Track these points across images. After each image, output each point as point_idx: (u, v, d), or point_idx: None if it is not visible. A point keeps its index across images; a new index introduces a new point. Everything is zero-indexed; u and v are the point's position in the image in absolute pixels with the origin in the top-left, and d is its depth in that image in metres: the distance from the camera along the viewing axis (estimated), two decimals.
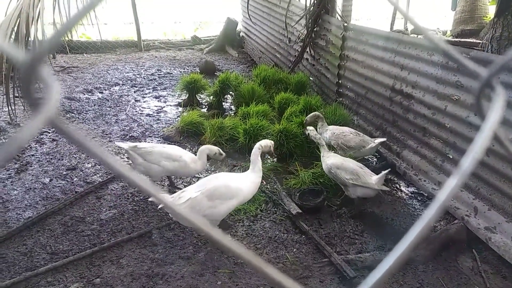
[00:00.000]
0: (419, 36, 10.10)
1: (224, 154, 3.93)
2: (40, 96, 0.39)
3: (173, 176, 4.19)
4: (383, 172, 3.54)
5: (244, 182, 3.21)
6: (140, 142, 5.23)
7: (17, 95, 4.90)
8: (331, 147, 4.34)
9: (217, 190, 3.07)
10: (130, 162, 3.97)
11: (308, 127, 4.20)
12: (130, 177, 0.40)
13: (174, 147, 4.03)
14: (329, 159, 3.79)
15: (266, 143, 3.46)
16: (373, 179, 3.56)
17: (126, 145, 3.76)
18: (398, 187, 4.39)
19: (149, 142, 5.26)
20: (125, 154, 4.43)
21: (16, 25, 3.88)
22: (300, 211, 3.70)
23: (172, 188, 4.08)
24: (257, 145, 3.39)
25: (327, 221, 3.75)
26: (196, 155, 3.89)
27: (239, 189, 3.15)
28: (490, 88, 0.56)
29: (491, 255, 3.27)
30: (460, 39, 9.65)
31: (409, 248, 0.43)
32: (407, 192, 4.29)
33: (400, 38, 4.48)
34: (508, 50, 0.54)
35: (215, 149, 3.87)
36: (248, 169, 3.40)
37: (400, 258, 0.43)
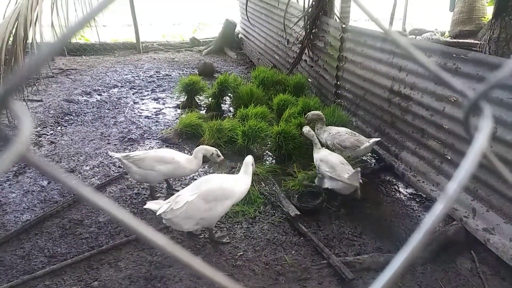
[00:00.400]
0: (417, 38, 10.09)
1: (222, 156, 3.86)
2: (10, 129, 0.38)
3: (170, 179, 4.18)
4: (357, 169, 3.62)
5: (236, 183, 3.28)
6: (138, 143, 5.24)
7: (15, 97, 4.90)
8: (328, 148, 4.35)
9: (213, 192, 3.10)
10: (126, 171, 3.95)
11: (305, 127, 4.29)
12: (99, 204, 0.41)
13: (166, 150, 4.03)
14: (318, 154, 4.02)
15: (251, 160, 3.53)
16: (347, 175, 3.66)
17: (118, 154, 3.75)
18: (397, 188, 4.38)
19: (148, 143, 5.26)
20: (120, 164, 4.44)
21: (14, 27, 3.88)
22: (298, 213, 3.69)
23: (171, 191, 4.08)
24: (251, 159, 3.50)
25: (326, 223, 3.74)
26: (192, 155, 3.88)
27: (233, 190, 3.21)
28: (477, 110, 0.56)
29: (489, 256, 3.27)
30: (458, 40, 9.66)
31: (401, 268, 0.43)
32: (405, 193, 4.29)
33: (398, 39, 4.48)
34: (496, 72, 0.54)
35: (212, 149, 3.83)
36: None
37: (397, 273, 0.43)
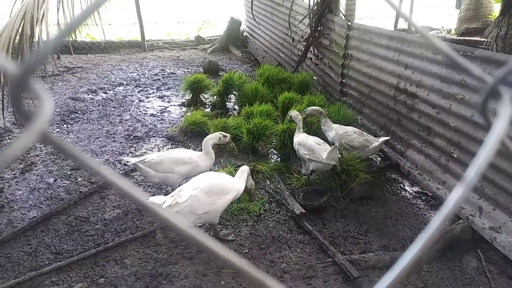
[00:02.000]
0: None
1: (228, 135, 3.93)
2: (31, 109, 0.37)
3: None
4: (334, 145, 3.79)
5: (234, 180, 3.39)
6: (144, 141, 5.26)
7: (21, 95, 4.93)
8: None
9: (215, 186, 3.16)
10: (143, 177, 3.87)
11: (294, 111, 4.42)
12: (121, 185, 0.40)
13: (180, 150, 3.97)
14: (297, 138, 4.18)
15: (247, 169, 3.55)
16: (324, 154, 3.80)
17: (133, 159, 3.68)
18: (402, 186, 4.37)
19: (153, 141, 5.27)
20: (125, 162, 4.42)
21: (21, 26, 3.90)
22: (303, 211, 3.69)
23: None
24: (247, 169, 3.53)
25: (331, 221, 3.74)
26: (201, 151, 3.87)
27: (232, 185, 3.29)
28: (496, 95, 0.54)
29: (496, 255, 3.25)
30: (464, 38, 9.59)
31: (416, 257, 0.43)
32: (411, 191, 4.27)
33: (404, 37, 4.46)
34: None
35: (217, 134, 3.86)
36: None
37: (408, 266, 0.43)
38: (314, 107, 4.64)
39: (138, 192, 0.40)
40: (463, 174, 3.71)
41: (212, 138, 3.84)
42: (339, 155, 3.91)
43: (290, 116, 4.40)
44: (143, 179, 4.25)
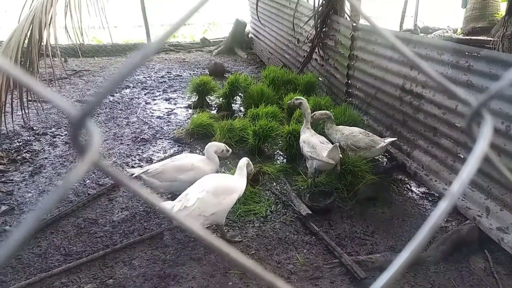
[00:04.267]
0: (429, 35, 10.00)
1: (230, 150, 3.96)
2: (84, 143, 0.45)
3: None
4: (335, 144, 3.81)
5: (236, 179, 3.43)
6: (151, 144, 5.30)
7: (30, 99, 4.99)
8: (341, 148, 4.34)
9: (220, 186, 3.21)
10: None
11: (299, 97, 4.42)
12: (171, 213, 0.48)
13: (182, 156, 3.94)
14: (303, 135, 4.23)
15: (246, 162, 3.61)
16: (325, 153, 3.84)
17: (136, 171, 3.63)
18: (409, 187, 4.36)
19: (160, 143, 5.31)
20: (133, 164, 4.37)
21: (29, 30, 3.96)
22: (310, 212, 3.70)
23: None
24: (246, 161, 3.59)
25: (338, 222, 3.75)
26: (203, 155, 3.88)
27: (237, 184, 3.35)
28: (479, 116, 0.61)
29: (503, 256, 3.24)
30: (470, 37, 9.54)
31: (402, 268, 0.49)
32: (417, 192, 4.26)
33: (409, 37, 4.46)
34: (497, 82, 0.59)
35: (222, 145, 3.86)
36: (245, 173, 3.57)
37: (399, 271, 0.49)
38: (322, 111, 4.60)
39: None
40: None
41: (216, 146, 3.83)
42: (341, 156, 3.93)
43: (293, 102, 4.39)
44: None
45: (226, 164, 4.64)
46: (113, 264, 3.18)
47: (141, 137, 5.50)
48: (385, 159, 4.96)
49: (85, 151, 0.45)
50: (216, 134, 5.05)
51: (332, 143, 4.26)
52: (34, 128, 5.69)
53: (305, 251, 3.36)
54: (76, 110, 0.45)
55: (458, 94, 0.62)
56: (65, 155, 4.97)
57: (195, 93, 6.54)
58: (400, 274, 0.47)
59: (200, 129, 5.34)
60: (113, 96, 7.21)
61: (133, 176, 3.61)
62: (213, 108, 6.55)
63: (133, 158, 4.91)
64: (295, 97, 4.43)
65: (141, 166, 4.37)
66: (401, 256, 0.48)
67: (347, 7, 6.33)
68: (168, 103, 6.96)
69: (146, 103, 6.92)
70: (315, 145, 3.97)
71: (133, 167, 4.64)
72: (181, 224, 0.45)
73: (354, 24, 5.55)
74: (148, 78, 8.30)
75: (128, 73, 0.47)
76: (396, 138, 4.44)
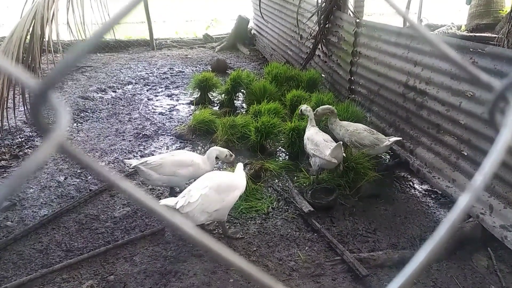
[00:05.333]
0: (433, 32, 9.89)
1: (233, 155, 3.93)
2: (49, 122, 0.39)
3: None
4: (338, 143, 3.77)
5: (237, 176, 3.45)
6: (153, 140, 5.29)
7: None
8: (344, 144, 4.32)
9: (223, 183, 3.23)
10: (145, 180, 3.78)
11: (303, 105, 4.46)
12: (138, 197, 0.41)
13: (181, 152, 3.95)
14: (308, 132, 4.21)
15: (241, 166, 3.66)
16: (328, 151, 3.82)
17: (135, 162, 3.61)
18: (412, 184, 4.34)
19: (162, 140, 5.30)
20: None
21: (31, 26, 3.95)
22: (312, 209, 3.68)
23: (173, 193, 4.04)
24: (242, 166, 3.65)
25: (340, 219, 3.73)
26: (201, 155, 3.87)
27: (239, 181, 3.38)
28: (504, 101, 0.54)
29: (507, 254, 3.21)
30: (475, 34, 9.46)
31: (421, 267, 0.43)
32: (420, 189, 4.24)
33: (413, 33, 4.42)
34: None
35: (225, 151, 3.83)
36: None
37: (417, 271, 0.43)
38: (325, 106, 4.57)
39: (149, 199, 0.41)
40: (473, 172, 3.68)
41: (219, 151, 3.82)
42: (344, 154, 3.90)
43: (301, 110, 4.42)
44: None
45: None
46: (114, 260, 3.18)
47: (143, 133, 5.50)
48: (388, 156, 4.93)
49: (49, 131, 0.39)
50: (218, 131, 5.04)
51: (336, 140, 4.24)
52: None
53: (307, 248, 3.35)
54: (37, 82, 0.40)
55: (481, 77, 0.56)
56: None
57: (197, 90, 6.53)
58: (416, 276, 0.42)
59: (202, 126, 5.33)
60: (115, 92, 7.21)
61: (132, 166, 3.62)
62: (215, 105, 6.54)
63: (135, 154, 4.90)
64: (302, 108, 4.44)
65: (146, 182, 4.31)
66: (418, 256, 0.43)
67: (350, 3, 6.29)
68: (170, 99, 6.94)
69: (148, 99, 6.91)
70: (318, 143, 3.95)
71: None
72: (177, 228, 0.41)
73: (357, 20, 5.51)
74: (150, 74, 8.29)
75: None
76: (401, 138, 4.40)
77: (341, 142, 3.83)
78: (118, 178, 0.41)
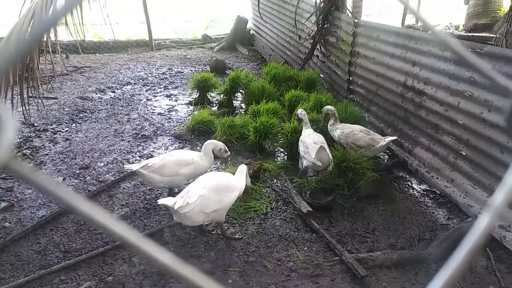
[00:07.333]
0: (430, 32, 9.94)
1: (229, 152, 3.94)
2: None
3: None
4: (320, 146, 3.80)
5: (237, 178, 3.45)
6: (152, 140, 5.28)
7: (31, 95, 4.98)
8: (340, 146, 4.32)
9: (221, 184, 3.23)
10: (146, 183, 3.80)
11: (299, 110, 4.50)
12: (94, 217, 0.36)
13: (180, 151, 3.96)
14: (303, 133, 4.24)
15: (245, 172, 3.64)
16: (314, 154, 3.85)
17: (135, 166, 3.59)
18: (410, 184, 4.34)
19: (161, 140, 5.30)
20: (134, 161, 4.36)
21: (29, 27, 3.94)
22: (310, 209, 3.68)
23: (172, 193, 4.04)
24: (245, 168, 3.60)
25: (338, 219, 3.73)
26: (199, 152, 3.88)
27: (237, 182, 3.36)
28: None
29: (505, 254, 3.22)
30: (473, 34, 9.48)
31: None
32: (419, 189, 4.24)
33: (411, 33, 4.42)
34: None
35: (220, 144, 3.86)
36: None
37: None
38: (329, 107, 4.66)
39: (113, 223, 0.37)
40: (471, 172, 3.68)
41: (214, 144, 3.83)
42: (331, 157, 3.88)
43: (297, 115, 4.45)
44: (142, 182, 4.19)
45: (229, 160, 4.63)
46: (112, 261, 3.17)
47: (142, 133, 5.49)
48: (386, 156, 4.93)
49: None
50: (217, 131, 5.04)
51: (334, 141, 4.25)
52: (35, 124, 5.68)
53: (305, 248, 3.34)
54: None
55: (499, 81, 0.52)
56: (65, 151, 4.96)
57: (196, 90, 6.52)
58: None
59: (201, 126, 5.32)
60: (114, 92, 7.20)
61: (132, 171, 3.60)
62: (214, 105, 6.53)
63: (134, 155, 4.89)
64: (297, 112, 4.49)
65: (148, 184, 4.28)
66: (434, 284, 0.39)
67: (348, 3, 6.29)
68: (169, 99, 6.94)
69: (147, 99, 6.90)
70: (308, 145, 3.97)
71: (133, 163, 4.62)
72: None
73: (355, 21, 5.51)
74: (149, 75, 8.28)
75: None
76: (396, 137, 4.41)
77: (324, 145, 3.87)
78: (78, 199, 0.35)
